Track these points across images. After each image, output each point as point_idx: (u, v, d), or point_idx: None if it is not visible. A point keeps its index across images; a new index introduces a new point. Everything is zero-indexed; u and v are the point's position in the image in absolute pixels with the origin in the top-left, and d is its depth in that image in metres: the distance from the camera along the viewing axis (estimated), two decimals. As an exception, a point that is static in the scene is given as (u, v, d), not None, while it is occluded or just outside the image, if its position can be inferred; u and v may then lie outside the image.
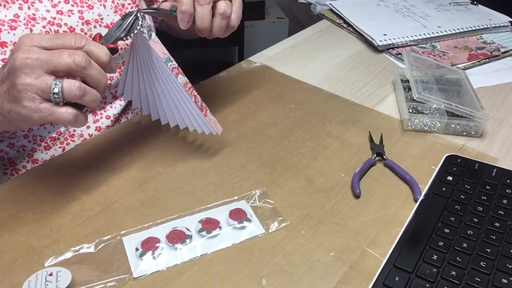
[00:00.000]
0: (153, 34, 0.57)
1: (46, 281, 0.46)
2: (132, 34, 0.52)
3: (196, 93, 0.62)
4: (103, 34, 0.52)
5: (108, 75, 0.72)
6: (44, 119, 0.49)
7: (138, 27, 0.53)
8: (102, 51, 0.49)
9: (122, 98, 0.78)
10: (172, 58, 0.59)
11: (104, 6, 0.70)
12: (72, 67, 0.47)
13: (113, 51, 0.51)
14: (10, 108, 0.49)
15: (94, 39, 0.50)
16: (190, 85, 0.61)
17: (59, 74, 0.48)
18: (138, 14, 0.53)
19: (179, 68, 0.59)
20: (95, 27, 0.68)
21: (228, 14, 0.61)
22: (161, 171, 0.63)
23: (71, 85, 0.47)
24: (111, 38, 0.51)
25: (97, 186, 0.60)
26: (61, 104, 0.48)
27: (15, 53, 0.47)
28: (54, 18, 0.64)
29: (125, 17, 0.52)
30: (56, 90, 0.47)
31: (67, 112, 0.48)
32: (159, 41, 0.58)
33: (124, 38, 0.52)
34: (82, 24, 0.67)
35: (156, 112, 0.65)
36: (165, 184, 0.61)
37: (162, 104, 0.62)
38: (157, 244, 0.52)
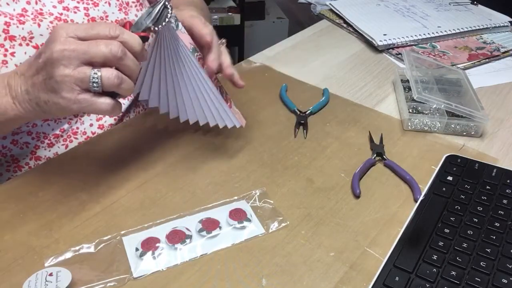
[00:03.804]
0: (180, 24, 0.56)
1: (46, 281, 0.46)
2: (162, 24, 0.52)
3: (221, 84, 0.63)
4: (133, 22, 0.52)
5: None
6: (83, 110, 0.49)
7: (168, 17, 0.52)
8: (135, 41, 0.50)
9: (126, 98, 0.77)
10: (198, 49, 0.59)
11: (109, 4, 0.70)
12: (109, 57, 0.48)
13: (144, 39, 0.51)
14: (47, 99, 0.50)
15: (124, 26, 0.50)
16: (215, 75, 0.61)
17: (96, 64, 0.48)
18: (167, 3, 0.52)
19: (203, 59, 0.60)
20: None
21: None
22: (161, 171, 0.63)
23: (110, 74, 0.48)
24: (141, 26, 0.51)
25: (97, 186, 0.60)
26: (99, 93, 0.49)
27: (51, 44, 0.47)
28: (61, 14, 0.65)
29: (154, 5, 0.52)
30: (95, 80, 0.48)
31: (105, 102, 0.49)
32: (185, 31, 0.58)
33: (153, 28, 0.51)
34: (88, 21, 0.67)
35: (176, 109, 0.64)
36: (165, 184, 0.61)
37: (183, 99, 0.62)
38: (157, 244, 0.52)
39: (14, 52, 0.60)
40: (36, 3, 0.63)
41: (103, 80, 0.48)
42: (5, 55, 0.60)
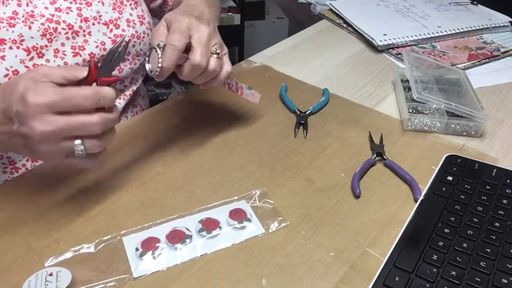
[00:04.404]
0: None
1: (46, 281, 0.46)
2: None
3: (230, 79, 0.64)
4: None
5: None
6: (68, 166, 0.51)
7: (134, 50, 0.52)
8: (111, 97, 0.49)
9: (121, 97, 0.78)
10: None
11: (103, 3, 0.70)
12: (91, 133, 0.48)
13: (115, 82, 0.51)
14: (28, 154, 0.51)
15: (90, 69, 0.48)
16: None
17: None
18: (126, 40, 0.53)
19: None
20: (93, 24, 0.68)
21: (217, 72, 0.61)
22: (161, 171, 0.63)
23: (92, 144, 0.49)
24: (111, 69, 0.50)
25: (97, 186, 0.60)
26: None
27: (29, 121, 0.46)
28: (53, 16, 0.64)
29: (116, 46, 0.51)
30: (79, 150, 0.48)
31: (89, 162, 0.51)
32: None
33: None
34: (81, 21, 0.67)
35: None
36: (165, 184, 0.61)
37: None
38: (157, 244, 0.52)
39: (5, 56, 0.59)
40: (27, 5, 0.63)
41: (87, 149, 0.49)
42: None
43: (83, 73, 0.48)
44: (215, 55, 0.59)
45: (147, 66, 0.56)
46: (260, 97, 0.69)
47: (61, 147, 0.48)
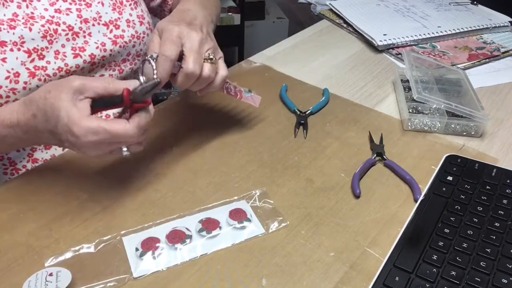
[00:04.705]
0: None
1: (46, 281, 0.46)
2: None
3: (228, 83, 0.65)
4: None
5: (107, 73, 0.73)
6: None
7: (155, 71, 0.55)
8: (148, 121, 0.52)
9: None
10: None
11: (102, 4, 0.70)
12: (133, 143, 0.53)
13: (145, 107, 0.53)
14: (73, 150, 0.54)
15: (123, 94, 0.50)
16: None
17: None
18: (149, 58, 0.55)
19: None
20: (93, 25, 0.68)
21: (211, 78, 0.61)
22: (161, 171, 0.63)
23: (137, 147, 0.54)
24: (141, 97, 0.51)
25: (97, 186, 0.60)
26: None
27: (81, 148, 0.51)
28: (53, 17, 0.64)
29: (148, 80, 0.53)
30: (125, 153, 0.53)
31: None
32: None
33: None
34: (81, 22, 0.67)
35: None
36: (165, 184, 0.61)
37: None
38: (157, 244, 0.52)
39: (6, 58, 0.59)
40: (27, 6, 0.62)
41: (130, 151, 0.53)
42: None
43: (117, 92, 0.51)
44: (209, 61, 0.59)
45: (141, 79, 0.56)
46: (260, 100, 0.69)
47: (108, 151, 0.53)
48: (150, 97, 0.53)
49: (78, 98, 0.50)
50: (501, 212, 0.55)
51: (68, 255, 0.50)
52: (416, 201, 0.58)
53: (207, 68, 0.59)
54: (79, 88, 0.50)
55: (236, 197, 0.58)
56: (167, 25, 0.58)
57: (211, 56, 0.59)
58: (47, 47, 0.63)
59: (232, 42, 2.05)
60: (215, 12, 0.78)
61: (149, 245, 0.52)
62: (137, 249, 0.51)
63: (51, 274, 0.46)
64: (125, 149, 0.52)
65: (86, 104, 0.50)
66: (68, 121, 0.49)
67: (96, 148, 0.51)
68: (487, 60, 0.93)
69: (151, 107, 0.53)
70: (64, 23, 0.65)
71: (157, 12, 0.89)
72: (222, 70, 0.61)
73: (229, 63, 0.66)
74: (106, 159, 0.63)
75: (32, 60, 0.62)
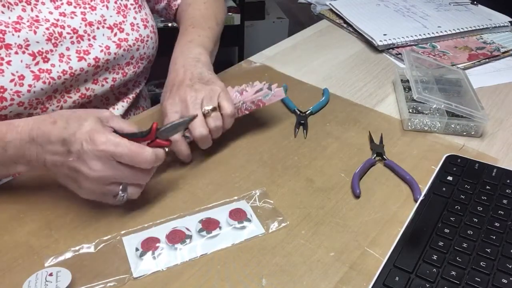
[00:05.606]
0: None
1: (46, 281, 0.46)
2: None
3: (241, 103, 0.66)
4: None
5: (111, 76, 0.72)
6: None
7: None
8: (162, 160, 0.53)
9: (124, 100, 0.78)
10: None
11: (107, 7, 0.70)
12: (137, 183, 0.54)
13: (167, 146, 0.55)
14: (68, 183, 0.54)
15: (152, 127, 0.52)
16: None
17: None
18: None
19: None
20: (98, 28, 0.68)
21: (221, 125, 0.63)
22: (161, 171, 0.63)
23: (136, 192, 0.54)
24: (168, 135, 0.54)
25: (97, 186, 0.59)
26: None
27: (91, 161, 0.50)
28: (57, 20, 0.64)
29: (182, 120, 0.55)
30: (121, 196, 0.53)
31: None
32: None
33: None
34: (85, 25, 0.67)
35: None
36: (165, 184, 0.61)
37: None
38: (157, 244, 0.52)
39: (11, 61, 0.59)
40: (32, 10, 0.62)
41: (128, 196, 0.54)
42: (1, 64, 0.59)
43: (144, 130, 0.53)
44: (211, 114, 0.61)
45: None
46: (282, 90, 0.68)
47: (106, 189, 0.52)
48: (172, 137, 0.55)
49: (104, 122, 0.52)
50: (501, 212, 0.55)
51: (68, 255, 0.50)
52: (416, 201, 0.58)
53: (211, 122, 0.61)
54: (107, 116, 0.53)
55: (236, 197, 0.58)
56: (163, 108, 0.63)
57: (208, 108, 0.61)
58: (51, 50, 0.63)
59: (232, 42, 2.05)
60: (215, 28, 0.79)
61: (149, 245, 0.52)
62: (137, 249, 0.51)
63: (51, 274, 0.46)
64: (123, 192, 0.52)
65: (110, 129, 0.52)
66: (90, 129, 0.50)
67: (101, 171, 0.50)
68: (487, 60, 0.93)
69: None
70: (68, 26, 0.65)
71: (163, 14, 0.89)
72: (226, 108, 0.62)
73: (229, 63, 0.66)
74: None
75: (37, 63, 0.62)
